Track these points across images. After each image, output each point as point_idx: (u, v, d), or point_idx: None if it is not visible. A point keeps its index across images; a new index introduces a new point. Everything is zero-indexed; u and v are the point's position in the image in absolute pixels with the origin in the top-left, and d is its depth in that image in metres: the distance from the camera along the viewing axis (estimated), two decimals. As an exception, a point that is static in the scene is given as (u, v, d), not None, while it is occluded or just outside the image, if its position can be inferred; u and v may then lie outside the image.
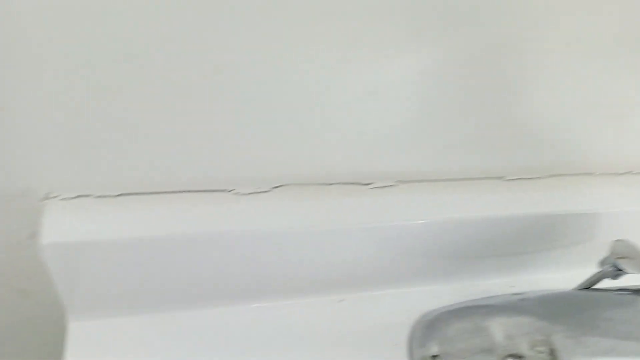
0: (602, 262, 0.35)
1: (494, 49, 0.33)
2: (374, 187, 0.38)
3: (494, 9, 0.30)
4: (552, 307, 0.37)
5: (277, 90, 0.31)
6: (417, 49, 0.31)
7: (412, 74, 0.32)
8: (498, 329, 0.37)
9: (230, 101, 0.30)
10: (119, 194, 0.32)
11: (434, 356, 0.37)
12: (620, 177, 0.43)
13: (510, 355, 0.36)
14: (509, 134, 0.38)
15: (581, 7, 0.32)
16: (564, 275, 0.40)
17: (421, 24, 0.30)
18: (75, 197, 0.31)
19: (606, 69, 0.36)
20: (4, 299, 0.39)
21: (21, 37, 0.25)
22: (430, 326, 0.39)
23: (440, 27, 0.30)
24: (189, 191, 0.33)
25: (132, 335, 0.34)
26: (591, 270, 0.37)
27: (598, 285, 0.36)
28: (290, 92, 0.31)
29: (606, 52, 0.35)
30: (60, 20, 0.25)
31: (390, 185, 0.38)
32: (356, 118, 0.33)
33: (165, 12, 0.26)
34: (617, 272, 0.34)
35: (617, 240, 0.34)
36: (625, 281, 0.35)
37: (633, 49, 0.35)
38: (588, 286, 0.37)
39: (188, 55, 0.28)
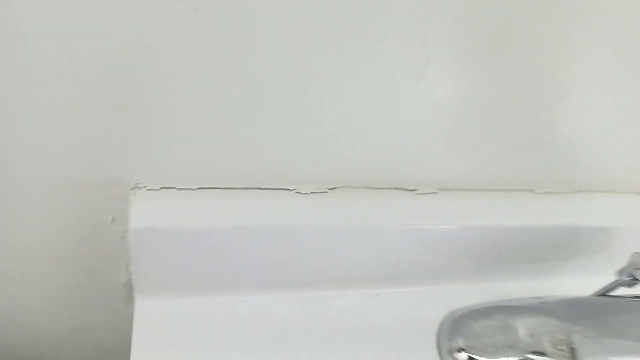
0: (620, 272, 0.37)
1: (530, 76, 0.35)
2: (418, 193, 0.40)
3: (531, 42, 0.34)
4: (571, 310, 0.39)
5: (341, 106, 0.34)
6: (466, 75, 0.34)
7: (459, 97, 0.35)
8: (521, 327, 0.40)
9: (299, 113, 0.33)
10: (198, 187, 0.35)
11: (460, 349, 0.39)
12: (634, 196, 0.45)
13: (533, 352, 0.39)
14: (541, 152, 0.40)
15: (610, 38, 0.35)
16: (579, 282, 0.42)
17: (469, 55, 0.33)
18: (160, 189, 0.34)
19: (630, 93, 0.38)
20: (73, 277, 0.42)
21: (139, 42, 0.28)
22: (458, 322, 0.41)
23: (485, 57, 0.33)
24: (257, 188, 0.36)
25: (194, 314, 0.37)
26: (605, 279, 0.39)
27: (614, 293, 0.39)
28: (354, 108, 0.34)
29: (631, 77, 0.37)
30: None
31: (433, 192, 0.40)
32: (408, 132, 0.36)
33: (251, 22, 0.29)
34: (633, 281, 0.36)
35: (636, 253, 0.37)
36: (639, 290, 0.38)
37: None
38: (604, 293, 0.39)
39: (272, 66, 0.31)
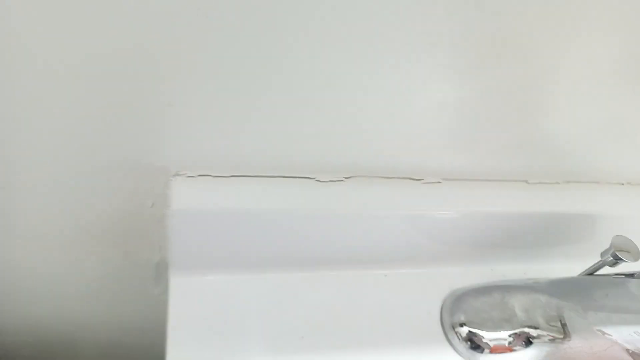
0: (604, 253, 0.41)
1: (525, 80, 0.39)
2: (424, 182, 0.44)
3: (526, 52, 0.37)
4: (561, 288, 0.42)
5: (357, 105, 0.37)
6: (468, 79, 0.38)
7: (462, 98, 0.39)
8: (516, 303, 0.42)
9: (320, 111, 0.37)
10: (230, 175, 0.39)
11: (462, 324, 0.42)
12: (622, 187, 0.49)
13: (528, 326, 0.41)
14: (534, 146, 0.44)
15: (595, 48, 0.38)
16: (569, 266, 0.45)
17: (472, 62, 0.37)
18: (198, 176, 0.38)
19: (612, 96, 0.42)
20: (109, 258, 0.46)
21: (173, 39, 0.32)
22: (459, 299, 0.44)
23: (486, 64, 0.37)
24: (282, 176, 0.40)
25: (224, 290, 0.41)
26: (592, 261, 0.43)
27: (599, 272, 0.42)
28: (369, 107, 0.37)
29: (613, 82, 0.41)
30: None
31: (437, 182, 0.44)
32: (416, 128, 0.40)
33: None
34: (616, 261, 0.40)
35: (617, 236, 0.40)
36: (621, 268, 0.41)
37: (635, 78, 0.41)
38: (591, 272, 0.42)
39: (301, 71, 0.34)
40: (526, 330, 0.41)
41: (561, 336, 0.40)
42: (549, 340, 0.41)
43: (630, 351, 0.36)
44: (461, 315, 0.43)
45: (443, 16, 0.33)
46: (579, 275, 0.44)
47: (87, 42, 0.31)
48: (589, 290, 0.41)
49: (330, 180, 0.41)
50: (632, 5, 0.36)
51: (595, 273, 0.43)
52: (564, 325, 0.41)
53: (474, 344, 0.42)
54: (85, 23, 0.30)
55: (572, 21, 0.36)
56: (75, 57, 0.31)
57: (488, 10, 0.34)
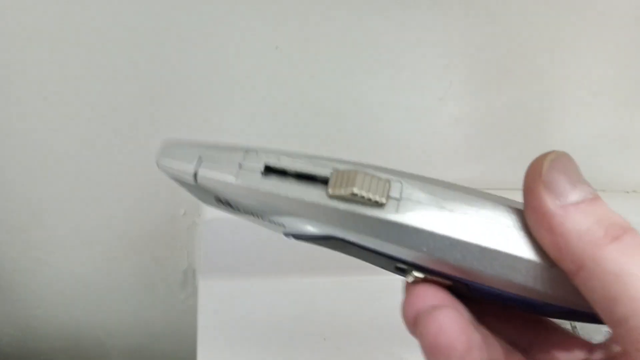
0: None
1: (533, 95, 0.40)
2: None
3: (533, 68, 0.39)
4: None
5: (379, 118, 0.39)
6: (480, 96, 0.39)
7: (475, 114, 0.40)
8: None
9: (340, 122, 0.39)
10: None
11: None
12: (627, 194, 0.50)
13: None
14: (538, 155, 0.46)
15: (595, 61, 0.39)
16: None
17: (484, 80, 0.39)
18: None
19: (616, 108, 0.43)
20: (139, 264, 0.48)
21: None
22: None
23: (497, 82, 0.39)
24: None
25: (248, 293, 0.43)
26: None
27: None
28: (388, 121, 0.39)
29: (616, 94, 0.42)
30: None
31: None
32: (432, 141, 0.41)
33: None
34: None
35: None
36: None
37: (629, 94, 0.42)
38: None
39: (329, 90, 0.37)
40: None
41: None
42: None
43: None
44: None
45: (457, 40, 0.36)
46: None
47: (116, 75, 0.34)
48: None
49: None
50: (629, 22, 0.38)
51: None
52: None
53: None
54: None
55: (575, 40, 0.38)
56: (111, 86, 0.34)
57: (499, 32, 0.36)
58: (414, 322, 0.17)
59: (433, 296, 0.17)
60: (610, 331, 0.15)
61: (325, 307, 0.44)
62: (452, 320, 0.16)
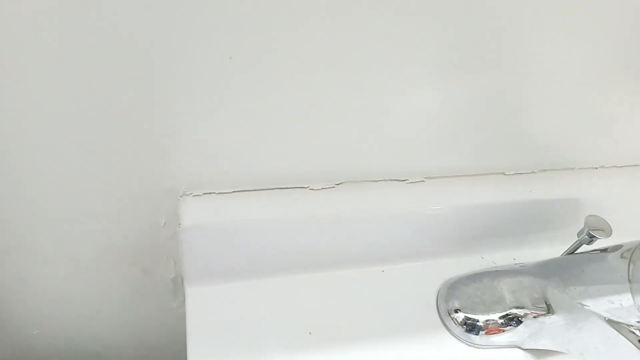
0: (579, 233, 0.43)
1: (499, 83, 0.41)
2: (408, 182, 0.47)
3: (500, 57, 0.39)
4: (545, 269, 0.45)
5: (344, 118, 0.40)
6: (443, 87, 0.40)
7: (439, 104, 0.41)
8: (504, 286, 0.46)
9: (311, 127, 0.40)
10: (232, 191, 0.42)
11: (457, 310, 0.46)
12: (595, 170, 0.52)
13: (515, 307, 0.44)
14: (509, 140, 0.46)
15: (562, 47, 0.40)
16: (556, 249, 0.47)
17: (446, 71, 0.39)
18: (203, 194, 0.42)
19: (581, 92, 0.45)
20: (130, 276, 0.50)
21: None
22: (452, 287, 0.48)
23: (460, 72, 0.39)
24: (278, 188, 0.43)
25: (234, 296, 0.44)
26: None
27: (578, 251, 0.45)
28: (354, 118, 0.40)
29: (581, 78, 0.43)
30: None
31: (421, 181, 0.47)
32: (399, 132, 0.43)
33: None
34: (591, 239, 0.42)
35: (590, 216, 0.43)
36: (597, 245, 0.43)
37: (601, 77, 0.44)
38: (571, 252, 0.45)
39: (287, 96, 0.38)
40: (514, 311, 0.45)
41: (545, 312, 0.44)
42: (534, 317, 0.44)
43: (606, 318, 0.39)
44: (455, 302, 0.47)
45: (421, 32, 0.36)
46: (561, 255, 0.47)
47: (96, 88, 0.35)
48: (570, 268, 0.43)
49: (322, 188, 0.45)
50: (596, 11, 0.39)
51: (576, 252, 0.46)
52: (548, 303, 0.44)
53: (469, 327, 0.46)
54: (91, 70, 0.34)
55: (542, 28, 0.39)
56: (87, 102, 0.36)
57: (461, 22, 0.37)
58: None
59: None
60: None
61: (309, 302, 0.46)
62: None
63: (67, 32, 0.31)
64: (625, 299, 0.37)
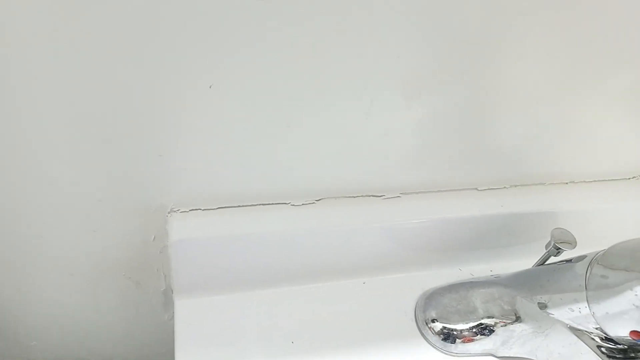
0: (547, 245, 0.45)
1: (467, 100, 0.43)
2: (385, 198, 0.48)
3: (466, 74, 0.40)
4: (516, 280, 0.47)
5: (318, 140, 0.42)
6: (405, 107, 0.42)
7: (414, 120, 0.43)
8: (477, 297, 0.48)
9: (289, 148, 0.42)
10: (217, 207, 0.45)
11: (434, 319, 0.48)
12: (565, 186, 0.54)
13: (486, 316, 0.46)
14: (481, 157, 0.48)
15: (530, 63, 0.41)
16: (530, 261, 0.48)
17: (406, 92, 0.41)
18: (190, 210, 0.44)
19: (547, 107, 0.46)
20: (122, 290, 0.52)
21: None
22: (430, 298, 0.49)
23: (422, 91, 0.41)
24: (261, 204, 0.46)
25: (224, 308, 0.46)
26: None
27: (548, 262, 0.46)
28: (328, 140, 0.42)
29: (547, 95, 0.44)
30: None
31: (397, 197, 0.49)
32: (375, 150, 0.44)
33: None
34: (557, 251, 0.44)
35: (556, 229, 0.44)
36: (565, 256, 0.44)
37: (571, 93, 0.45)
38: (541, 263, 0.47)
39: (265, 115, 0.40)
40: (485, 320, 0.47)
41: (513, 321, 0.46)
42: (503, 326, 0.46)
43: (568, 325, 0.41)
44: (432, 312, 0.49)
45: (394, 50, 0.38)
46: (532, 266, 0.49)
47: (87, 103, 0.38)
48: (537, 279, 0.45)
49: (302, 204, 0.46)
50: (562, 28, 0.40)
51: (546, 263, 0.48)
52: (516, 312, 0.46)
53: (445, 336, 0.47)
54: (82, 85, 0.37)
55: (508, 44, 0.40)
56: (81, 119, 0.39)
57: (433, 41, 0.38)
58: None
59: None
60: None
61: (292, 313, 0.48)
62: None
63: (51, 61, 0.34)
64: (583, 307, 0.39)
